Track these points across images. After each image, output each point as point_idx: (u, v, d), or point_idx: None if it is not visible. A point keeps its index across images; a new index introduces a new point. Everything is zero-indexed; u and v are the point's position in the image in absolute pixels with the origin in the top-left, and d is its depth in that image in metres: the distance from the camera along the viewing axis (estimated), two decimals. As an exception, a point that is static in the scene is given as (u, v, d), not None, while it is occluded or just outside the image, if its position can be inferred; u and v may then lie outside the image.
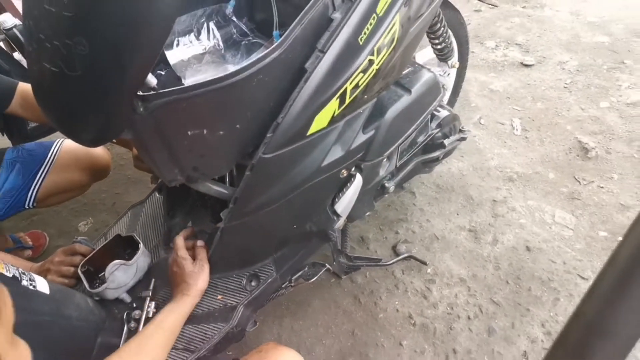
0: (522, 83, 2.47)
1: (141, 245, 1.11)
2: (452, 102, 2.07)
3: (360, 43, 0.88)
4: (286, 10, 1.04)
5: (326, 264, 1.36)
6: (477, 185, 1.88)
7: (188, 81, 0.97)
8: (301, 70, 0.84)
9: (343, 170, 1.08)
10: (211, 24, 1.08)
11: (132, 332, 1.02)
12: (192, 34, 1.06)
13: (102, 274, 1.05)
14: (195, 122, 0.79)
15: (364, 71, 0.91)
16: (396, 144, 1.21)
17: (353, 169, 1.13)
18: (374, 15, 0.88)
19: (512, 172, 1.93)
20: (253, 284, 1.14)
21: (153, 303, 1.06)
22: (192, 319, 1.02)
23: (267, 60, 0.77)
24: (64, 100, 0.70)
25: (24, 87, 1.23)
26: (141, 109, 0.72)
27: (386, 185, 1.34)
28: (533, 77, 2.50)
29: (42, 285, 0.88)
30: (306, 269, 1.31)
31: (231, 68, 1.00)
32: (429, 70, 1.24)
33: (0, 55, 1.51)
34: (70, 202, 1.65)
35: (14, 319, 0.47)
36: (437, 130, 1.44)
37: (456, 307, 1.47)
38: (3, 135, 1.61)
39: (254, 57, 0.79)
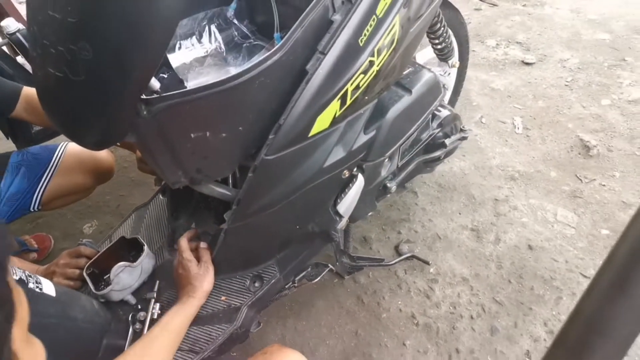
0: (523, 81, 2.47)
1: (145, 247, 1.11)
2: (453, 101, 2.08)
3: (361, 44, 0.88)
4: (286, 12, 1.05)
5: (329, 265, 1.36)
6: (479, 184, 1.89)
7: (190, 84, 0.98)
8: (302, 72, 0.85)
9: (345, 171, 1.08)
10: (213, 27, 1.09)
11: (137, 334, 1.03)
12: (194, 37, 1.07)
13: (107, 276, 1.06)
14: (198, 124, 0.80)
15: (365, 72, 0.91)
16: (397, 144, 1.22)
17: (355, 169, 1.13)
18: (374, 16, 0.89)
19: (514, 171, 1.93)
20: (256, 284, 1.14)
21: (158, 304, 1.07)
22: (197, 320, 1.03)
23: (269, 62, 0.78)
24: (69, 105, 0.71)
25: (28, 92, 1.24)
26: (144, 113, 0.73)
27: (388, 185, 1.35)
28: (534, 75, 2.50)
29: (48, 287, 0.89)
30: (309, 269, 1.32)
31: (233, 70, 1.01)
32: (429, 70, 1.25)
33: (5, 59, 1.52)
34: (74, 204, 1.66)
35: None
36: (438, 129, 1.45)
37: (459, 307, 1.48)
38: (8, 138, 1.63)
39: (256, 59, 0.80)
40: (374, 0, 0.88)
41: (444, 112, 1.44)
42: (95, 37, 0.61)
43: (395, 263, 1.57)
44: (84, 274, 1.06)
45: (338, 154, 1.02)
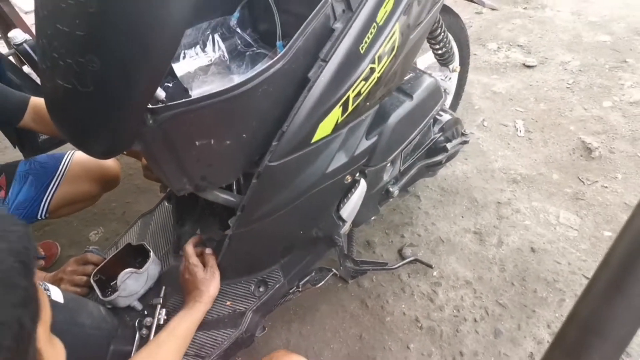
0: (525, 84, 2.48)
1: (151, 254, 1.13)
2: (454, 105, 2.09)
3: (362, 52, 0.90)
4: (288, 20, 1.07)
5: (333, 269, 1.37)
6: (482, 188, 1.89)
7: (195, 92, 0.99)
8: (304, 79, 0.87)
9: (347, 176, 1.10)
10: (216, 36, 1.10)
11: (143, 339, 1.04)
12: (198, 46, 1.08)
13: (114, 282, 1.08)
14: (203, 132, 0.81)
15: (366, 79, 0.93)
16: (399, 149, 1.23)
17: (357, 174, 1.15)
18: (374, 24, 0.90)
19: (516, 174, 1.94)
20: (261, 289, 1.16)
21: (164, 310, 1.08)
22: (202, 325, 1.04)
23: (271, 70, 0.80)
24: (77, 115, 0.73)
25: (36, 102, 1.26)
26: (150, 122, 0.75)
27: (390, 189, 1.36)
28: (535, 78, 2.51)
29: (56, 294, 0.91)
30: (313, 274, 1.33)
31: (236, 78, 1.03)
32: (430, 75, 1.26)
33: (13, 70, 1.55)
34: (81, 212, 1.67)
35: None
36: (440, 134, 1.46)
37: (462, 310, 1.48)
38: (15, 147, 1.65)
39: (259, 67, 0.81)
40: (374, 8, 0.90)
41: (445, 117, 1.45)
42: (103, 49, 0.63)
43: (399, 267, 1.58)
44: (91, 280, 1.08)
45: (340, 159, 1.03)
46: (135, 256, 1.17)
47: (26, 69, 1.92)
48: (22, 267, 0.42)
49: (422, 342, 1.42)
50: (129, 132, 0.76)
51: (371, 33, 0.90)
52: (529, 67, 2.60)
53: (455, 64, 1.85)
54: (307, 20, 0.83)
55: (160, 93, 0.76)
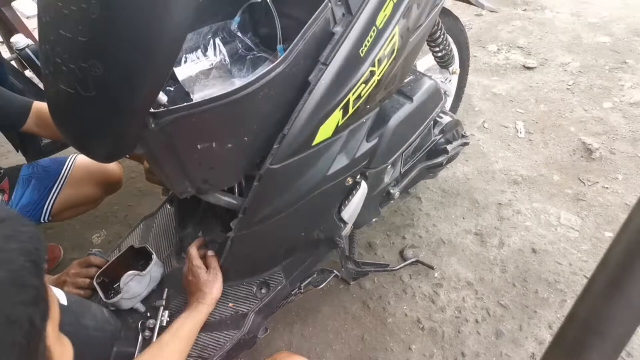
0: (525, 86, 2.48)
1: (154, 256, 1.13)
2: (455, 107, 2.09)
3: (362, 55, 0.91)
4: (289, 24, 1.08)
5: (334, 270, 1.38)
6: (482, 189, 1.90)
7: (196, 96, 1.00)
8: (305, 83, 0.87)
9: (348, 178, 1.10)
10: (217, 40, 1.11)
11: (146, 341, 1.04)
12: (199, 51, 1.09)
13: (117, 284, 1.08)
14: (205, 136, 0.82)
15: (366, 82, 0.93)
16: (400, 151, 1.24)
17: (358, 176, 1.15)
18: (374, 27, 0.91)
19: (517, 175, 1.94)
20: (263, 291, 1.16)
21: (167, 312, 1.09)
22: (205, 326, 1.05)
23: (272, 74, 0.80)
24: (80, 120, 0.74)
25: (39, 106, 1.27)
26: (153, 125, 0.76)
27: (391, 191, 1.36)
28: (535, 79, 2.52)
29: (59, 296, 0.91)
30: (315, 275, 1.33)
31: (237, 82, 1.04)
32: (430, 78, 1.27)
33: (15, 75, 1.56)
34: (83, 215, 1.68)
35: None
36: (440, 136, 1.47)
37: (464, 311, 1.48)
38: (18, 152, 1.66)
39: (260, 71, 0.82)
40: (374, 12, 0.90)
41: (446, 119, 1.46)
42: (105, 54, 0.64)
43: (400, 268, 1.59)
44: (94, 283, 1.08)
45: (341, 161, 1.04)
46: (137, 259, 1.18)
47: (28, 73, 1.93)
48: (32, 266, 0.43)
49: (424, 343, 1.42)
50: (131, 136, 0.76)
51: (371, 36, 0.91)
52: (529, 68, 2.60)
53: (455, 66, 1.86)
54: (308, 24, 0.84)
55: (162, 97, 0.77)
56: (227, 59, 1.12)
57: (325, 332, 1.49)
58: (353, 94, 0.92)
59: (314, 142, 0.93)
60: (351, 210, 1.17)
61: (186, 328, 0.96)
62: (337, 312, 1.54)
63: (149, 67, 0.66)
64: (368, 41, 0.91)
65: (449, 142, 1.49)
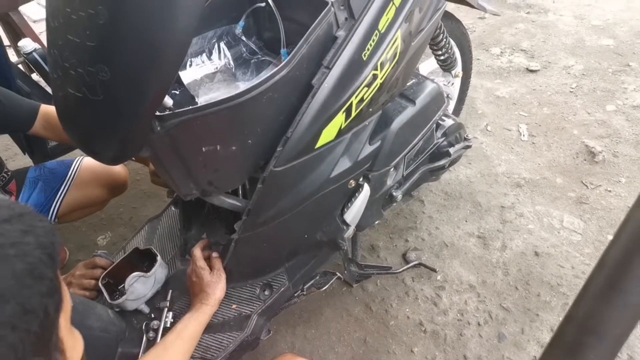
0: (528, 89, 2.48)
1: (159, 258, 1.14)
2: (457, 110, 2.10)
3: (364, 59, 0.92)
4: (292, 28, 1.09)
5: (337, 273, 1.38)
6: (485, 192, 1.90)
7: (201, 99, 1.01)
8: (308, 86, 0.89)
9: (351, 181, 1.11)
10: (222, 44, 1.12)
11: (150, 342, 1.05)
12: (204, 55, 1.10)
13: (122, 286, 1.09)
14: (209, 138, 0.83)
15: (369, 85, 0.95)
16: (402, 154, 1.24)
17: (361, 179, 1.16)
18: (376, 31, 0.92)
19: (520, 178, 1.94)
20: (266, 293, 1.17)
21: (171, 313, 1.10)
22: (208, 328, 1.05)
23: (276, 78, 0.81)
24: (87, 123, 0.75)
25: (46, 109, 1.28)
26: (158, 128, 0.77)
27: (394, 194, 1.37)
28: (539, 82, 2.52)
29: (66, 297, 0.93)
30: (318, 277, 1.34)
31: (242, 85, 1.05)
32: (432, 81, 1.28)
33: (23, 78, 1.58)
34: (89, 217, 1.70)
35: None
36: (443, 139, 1.47)
37: (466, 314, 1.49)
38: (25, 154, 1.68)
39: (264, 75, 0.83)
40: (376, 16, 0.92)
41: (448, 122, 1.47)
42: (112, 59, 0.65)
43: (403, 271, 1.59)
44: (99, 284, 1.09)
45: (344, 164, 1.05)
46: (142, 260, 1.19)
47: (35, 77, 1.95)
48: (48, 259, 0.45)
49: (426, 346, 1.43)
50: (137, 139, 0.78)
51: (373, 40, 0.92)
52: (532, 71, 2.60)
53: (458, 69, 1.87)
54: (311, 28, 0.85)
55: (168, 101, 0.78)
56: (231, 62, 1.13)
57: (328, 334, 1.50)
58: (356, 97, 0.93)
59: (317, 145, 0.94)
60: (354, 212, 1.18)
61: (190, 329, 0.97)
62: (339, 315, 1.54)
63: (155, 72, 0.67)
64: (370, 45, 0.92)
65: (451, 145, 1.50)
